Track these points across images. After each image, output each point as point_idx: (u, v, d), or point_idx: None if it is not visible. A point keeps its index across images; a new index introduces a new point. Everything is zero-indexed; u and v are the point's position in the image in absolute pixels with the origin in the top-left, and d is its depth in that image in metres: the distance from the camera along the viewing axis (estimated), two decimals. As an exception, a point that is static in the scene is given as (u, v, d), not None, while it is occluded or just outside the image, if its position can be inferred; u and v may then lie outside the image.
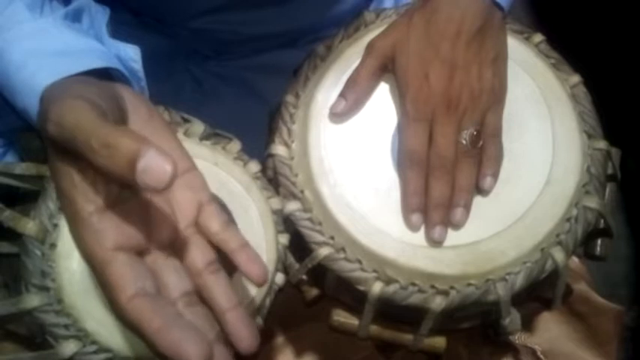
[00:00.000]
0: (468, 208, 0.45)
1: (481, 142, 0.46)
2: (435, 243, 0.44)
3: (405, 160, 0.46)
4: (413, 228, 0.45)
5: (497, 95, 0.47)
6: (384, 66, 0.48)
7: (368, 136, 0.47)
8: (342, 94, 0.47)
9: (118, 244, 0.33)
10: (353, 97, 0.47)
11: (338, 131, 0.47)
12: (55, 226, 0.40)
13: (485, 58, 0.47)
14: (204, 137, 0.47)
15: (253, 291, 0.44)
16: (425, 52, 0.46)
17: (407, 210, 0.45)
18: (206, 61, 0.66)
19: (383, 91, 0.49)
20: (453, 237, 0.45)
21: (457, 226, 0.45)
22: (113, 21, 0.42)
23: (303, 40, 0.65)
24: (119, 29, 0.44)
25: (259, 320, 0.46)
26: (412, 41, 0.46)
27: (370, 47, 0.48)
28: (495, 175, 0.46)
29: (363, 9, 0.52)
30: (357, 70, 0.48)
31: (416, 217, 0.45)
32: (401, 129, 0.47)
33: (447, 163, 0.45)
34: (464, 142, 0.45)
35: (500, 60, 0.48)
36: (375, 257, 0.44)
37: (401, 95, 0.47)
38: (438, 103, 0.45)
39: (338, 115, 0.47)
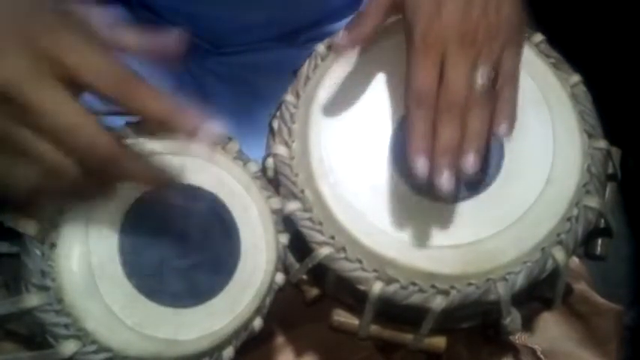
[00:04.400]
0: (480, 154, 0.41)
1: (497, 84, 0.42)
2: (443, 194, 0.41)
3: (411, 100, 0.41)
4: (419, 173, 0.41)
5: (515, 34, 0.44)
6: (394, 2, 0.44)
7: (368, 136, 0.47)
8: (346, 27, 0.44)
9: None
10: (357, 30, 0.44)
11: (338, 131, 0.47)
12: (55, 226, 0.40)
13: None
14: (204, 137, 0.47)
15: (253, 291, 0.44)
16: None
17: (412, 154, 0.41)
18: (206, 57, 0.65)
19: (383, 91, 0.49)
20: (453, 236, 0.45)
21: (467, 174, 0.41)
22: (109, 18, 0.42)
23: (303, 36, 0.64)
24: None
25: (259, 320, 0.46)
26: None
27: None
28: (512, 121, 0.42)
29: (360, 1, 0.52)
30: (366, 5, 0.45)
31: (422, 162, 0.40)
32: (409, 66, 0.43)
33: (458, 105, 0.40)
34: (479, 80, 0.41)
35: None
36: (376, 257, 0.44)
37: (410, 30, 0.43)
38: (450, 39, 0.41)
39: (339, 48, 0.44)
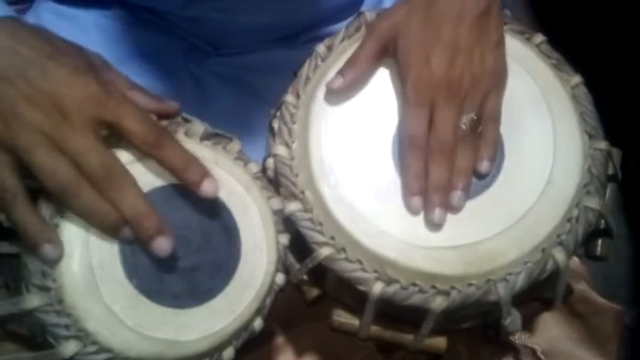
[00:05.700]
0: (466, 191, 0.45)
1: (480, 127, 0.46)
2: (435, 226, 0.45)
3: (405, 144, 0.46)
4: (413, 211, 0.45)
5: (498, 80, 0.47)
6: (385, 48, 0.47)
7: (369, 137, 0.47)
8: (340, 72, 0.47)
9: None
10: (350, 77, 0.47)
11: (339, 131, 0.47)
12: (55, 226, 0.40)
13: (488, 42, 0.46)
14: (204, 137, 0.47)
15: (253, 292, 0.44)
16: (426, 35, 0.46)
17: (408, 193, 0.45)
18: (206, 58, 0.65)
19: (384, 91, 0.49)
20: (453, 237, 0.45)
21: (456, 209, 0.45)
22: (109, 19, 0.42)
23: (303, 37, 0.65)
24: (115, 27, 0.43)
25: (259, 320, 0.46)
26: (413, 24, 0.46)
27: (371, 28, 0.48)
28: (492, 159, 0.46)
29: (359, 5, 0.52)
30: (357, 50, 0.48)
31: (416, 200, 0.45)
32: (402, 113, 0.47)
33: (446, 148, 0.45)
34: (463, 126, 0.45)
35: (502, 44, 0.47)
36: (376, 257, 0.44)
37: (402, 79, 0.47)
38: (438, 88, 0.45)
39: (333, 92, 0.47)
